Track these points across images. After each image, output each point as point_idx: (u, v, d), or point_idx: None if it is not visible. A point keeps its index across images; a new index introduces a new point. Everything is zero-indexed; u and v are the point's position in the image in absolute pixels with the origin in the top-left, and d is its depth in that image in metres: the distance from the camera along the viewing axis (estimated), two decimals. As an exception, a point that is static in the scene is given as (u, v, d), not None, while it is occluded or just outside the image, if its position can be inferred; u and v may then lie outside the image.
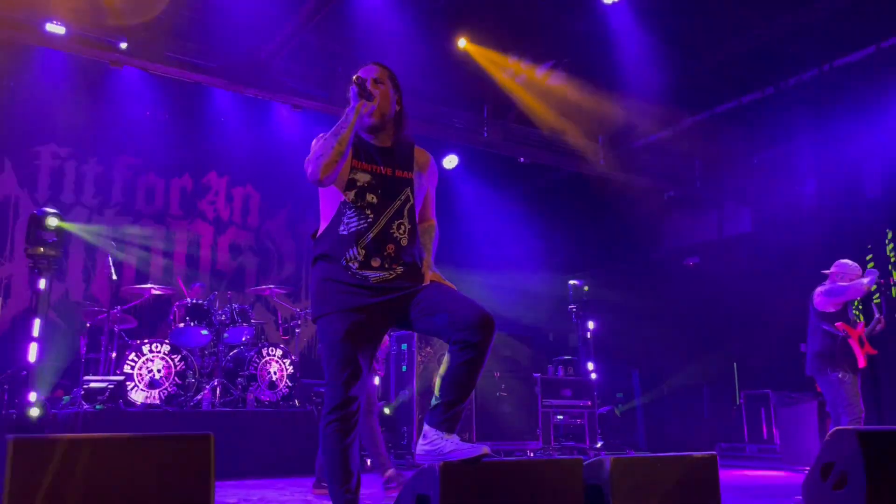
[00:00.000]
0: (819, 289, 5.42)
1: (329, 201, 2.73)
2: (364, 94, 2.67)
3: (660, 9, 7.14)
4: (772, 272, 9.12)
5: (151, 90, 7.98)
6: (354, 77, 2.69)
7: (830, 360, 5.22)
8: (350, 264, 2.64)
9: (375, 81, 2.76)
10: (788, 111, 8.45)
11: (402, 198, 2.75)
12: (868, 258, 8.54)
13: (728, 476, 6.26)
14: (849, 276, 5.40)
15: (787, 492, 4.74)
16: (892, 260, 8.27)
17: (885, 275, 7.93)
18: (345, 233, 2.65)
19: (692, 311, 9.77)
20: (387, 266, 2.66)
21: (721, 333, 9.52)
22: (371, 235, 2.65)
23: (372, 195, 2.68)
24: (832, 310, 5.31)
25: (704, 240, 10.34)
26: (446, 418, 2.60)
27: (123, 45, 6.40)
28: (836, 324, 5.26)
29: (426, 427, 2.63)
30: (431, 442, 2.58)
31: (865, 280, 5.23)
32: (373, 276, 2.65)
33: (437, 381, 2.66)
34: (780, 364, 8.41)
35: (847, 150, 8.68)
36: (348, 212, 2.66)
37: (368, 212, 2.66)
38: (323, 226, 2.73)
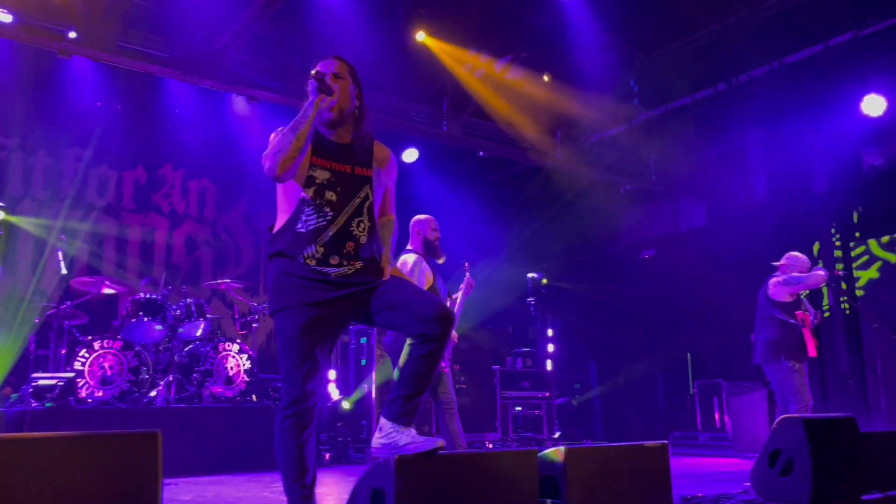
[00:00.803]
0: (774, 279, 5.53)
1: (287, 197, 2.70)
2: (323, 88, 2.63)
3: (616, 5, 7.23)
4: (724, 265, 9.32)
5: (103, 80, 7.78)
6: (313, 71, 2.66)
7: (782, 348, 5.34)
8: (307, 262, 2.63)
9: (335, 76, 2.73)
10: (740, 107, 8.64)
11: (362, 195, 2.74)
12: (815, 250, 8.79)
13: (681, 463, 6.40)
14: (798, 267, 5.55)
15: (737, 478, 4.86)
16: (838, 255, 8.52)
17: (831, 267, 8.17)
18: (303, 230, 2.63)
19: (648, 303, 9.94)
20: (345, 263, 2.66)
21: (675, 324, 9.70)
22: (330, 233, 2.64)
23: (331, 192, 2.66)
24: (787, 300, 5.44)
25: (660, 233, 10.53)
26: (404, 411, 2.61)
27: (72, 35, 6.23)
28: (795, 312, 5.37)
29: (383, 420, 2.63)
30: (387, 435, 2.59)
31: (822, 272, 5.37)
32: (332, 271, 2.64)
33: (396, 374, 2.68)
34: (732, 354, 8.62)
35: (796, 146, 8.91)
36: (307, 209, 2.64)
37: (328, 209, 2.65)
38: (280, 221, 2.71)
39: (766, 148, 9.29)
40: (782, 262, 5.63)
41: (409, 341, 2.65)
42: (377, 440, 2.62)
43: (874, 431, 4.01)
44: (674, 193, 10.34)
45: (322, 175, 2.67)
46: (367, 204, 2.74)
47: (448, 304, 4.75)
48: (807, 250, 8.82)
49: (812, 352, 5.32)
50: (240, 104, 7.91)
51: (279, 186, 2.73)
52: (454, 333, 4.60)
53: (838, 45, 7.35)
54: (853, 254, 8.27)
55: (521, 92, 8.27)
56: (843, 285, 8.01)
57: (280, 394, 2.71)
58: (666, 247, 10.34)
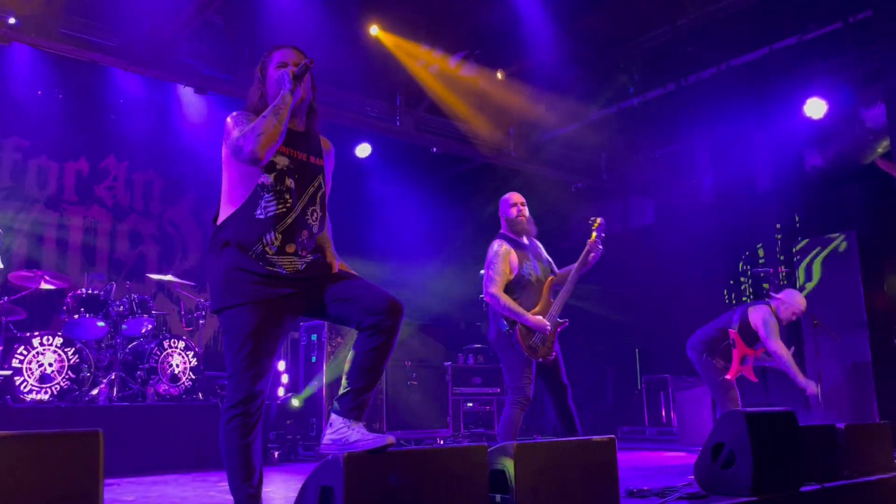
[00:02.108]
0: (764, 313, 5.24)
1: (241, 183, 2.63)
2: (300, 77, 2.63)
3: (569, 4, 7.29)
4: (672, 262, 9.53)
5: (43, 68, 7.51)
6: (308, 61, 2.64)
7: (710, 347, 5.44)
8: (266, 249, 2.58)
9: (298, 65, 2.71)
10: (688, 108, 8.82)
11: (316, 184, 2.75)
12: (758, 247, 9.04)
13: (628, 457, 6.51)
14: (792, 308, 5.30)
15: (682, 471, 4.96)
16: (780, 252, 8.78)
17: (775, 265, 8.41)
18: (261, 216, 2.59)
19: (598, 300, 10.08)
20: (300, 253, 2.64)
21: (625, 321, 9.87)
22: (289, 221, 2.62)
23: (290, 179, 2.64)
24: (753, 334, 5.29)
25: (610, 231, 10.66)
26: (355, 406, 2.60)
27: (12, 20, 5.99)
28: (729, 330, 5.39)
29: (333, 416, 2.61)
30: (337, 431, 2.57)
31: (801, 379, 5.10)
32: (286, 264, 2.61)
33: (346, 368, 2.65)
34: (679, 350, 8.79)
35: (742, 147, 9.15)
36: (266, 195, 2.60)
37: (287, 196, 2.62)
38: (230, 209, 2.64)
39: (713, 148, 9.52)
40: (781, 295, 5.42)
41: (358, 334, 2.65)
42: (328, 436, 2.60)
43: (813, 425, 4.14)
44: (624, 192, 10.51)
45: (282, 161, 2.65)
46: (320, 193, 2.76)
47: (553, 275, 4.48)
48: (751, 248, 9.09)
49: (730, 374, 5.27)
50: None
51: (231, 172, 2.66)
52: (560, 320, 4.36)
53: (783, 49, 7.55)
54: (798, 247, 8.50)
55: (475, 89, 8.28)
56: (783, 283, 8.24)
57: (226, 392, 2.64)
58: (615, 244, 10.47)
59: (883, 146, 7.85)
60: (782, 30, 7.51)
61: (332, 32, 6.97)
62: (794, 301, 5.33)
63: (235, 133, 2.56)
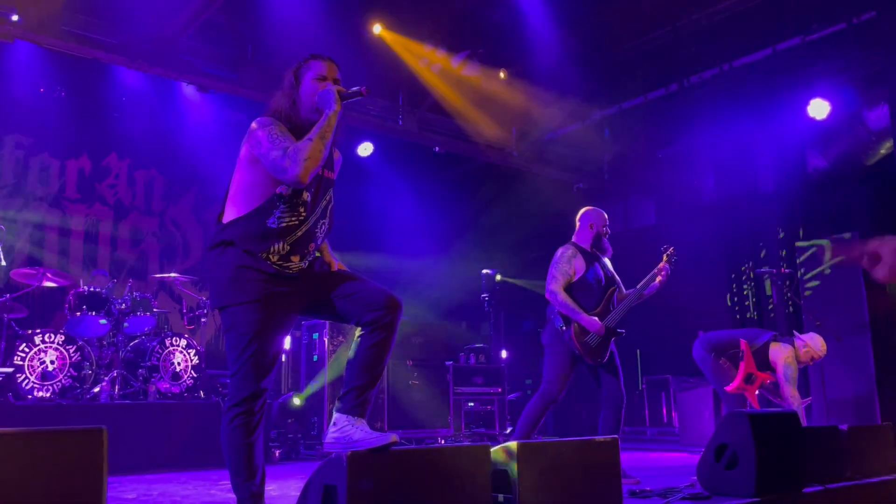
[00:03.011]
0: (787, 353, 5.24)
1: (257, 188, 2.60)
2: (348, 99, 2.62)
3: (572, 5, 7.29)
4: (674, 262, 9.49)
5: (46, 66, 7.51)
6: (364, 88, 2.61)
7: (716, 347, 5.46)
8: (269, 256, 2.58)
9: (337, 81, 2.73)
10: (690, 108, 8.82)
11: (327, 198, 2.76)
12: (762, 253, 9.03)
13: (629, 458, 6.50)
14: (813, 353, 5.33)
15: (684, 472, 4.96)
16: (783, 253, 8.77)
17: (777, 265, 8.40)
18: (274, 226, 2.58)
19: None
20: (303, 262, 2.66)
21: (626, 321, 9.84)
22: (299, 233, 2.62)
23: (307, 193, 2.63)
24: (766, 363, 5.31)
25: (611, 231, 10.65)
26: (357, 403, 2.60)
27: (15, 18, 5.99)
28: (742, 340, 5.40)
29: (336, 415, 2.61)
30: (341, 429, 2.57)
31: (797, 403, 5.12)
32: (290, 266, 2.63)
33: (347, 366, 2.65)
34: (680, 351, 8.78)
35: (744, 148, 9.13)
36: (282, 206, 2.59)
37: (302, 209, 2.62)
38: (241, 211, 2.62)
39: (715, 149, 9.50)
40: (805, 338, 5.41)
41: (358, 332, 2.65)
42: (330, 434, 2.60)
43: (816, 426, 4.13)
44: (625, 192, 10.50)
45: None
46: (329, 206, 2.78)
47: (624, 294, 4.67)
48: (753, 249, 9.08)
49: (731, 387, 5.30)
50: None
51: (246, 175, 2.63)
52: (618, 330, 4.55)
53: (786, 50, 7.55)
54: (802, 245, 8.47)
55: (478, 88, 8.28)
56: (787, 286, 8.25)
57: (229, 391, 2.63)
58: (617, 244, 10.46)
59: (886, 147, 7.85)
60: (785, 31, 7.51)
61: (335, 31, 6.96)
62: (816, 346, 5.39)
63: (276, 152, 2.50)
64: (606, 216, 4.85)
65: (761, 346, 5.35)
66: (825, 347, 5.44)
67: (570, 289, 4.55)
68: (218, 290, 2.64)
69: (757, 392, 5.33)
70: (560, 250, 4.69)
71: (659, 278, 4.65)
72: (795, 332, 5.58)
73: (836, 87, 7.75)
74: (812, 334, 5.54)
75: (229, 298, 2.59)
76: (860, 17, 7.03)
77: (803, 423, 5.02)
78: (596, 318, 4.47)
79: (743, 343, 5.33)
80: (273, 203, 2.59)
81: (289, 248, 2.61)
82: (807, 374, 7.64)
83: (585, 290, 4.57)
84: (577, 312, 4.46)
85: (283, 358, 7.78)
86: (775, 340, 5.39)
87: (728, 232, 9.27)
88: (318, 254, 2.81)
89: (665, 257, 4.76)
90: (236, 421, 2.56)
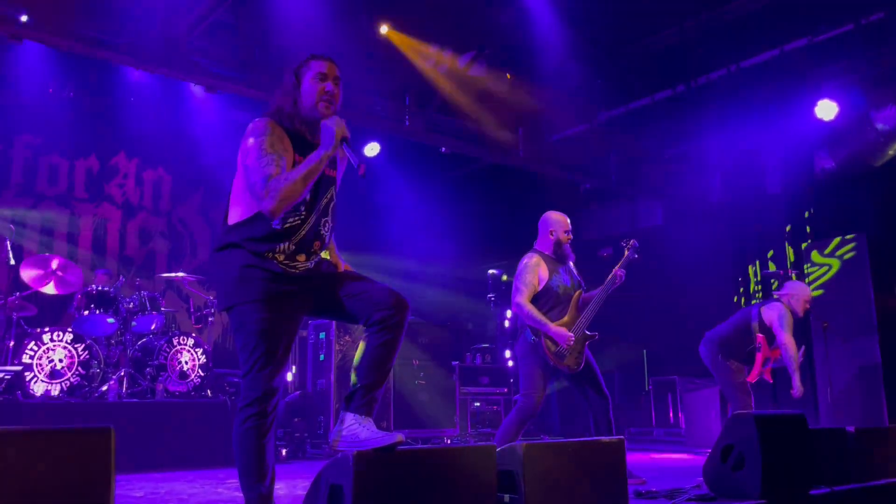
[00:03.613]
0: (777, 307, 5.38)
1: None
2: (345, 143, 2.61)
3: (579, 5, 7.28)
4: (680, 263, 9.49)
5: (55, 66, 7.55)
6: (363, 167, 2.54)
7: (727, 349, 5.46)
8: (276, 256, 2.59)
9: (336, 79, 2.76)
10: (698, 109, 8.79)
11: (329, 196, 2.76)
12: (769, 254, 9.00)
13: (635, 458, 6.49)
14: (800, 296, 5.46)
15: (690, 473, 4.95)
16: (791, 258, 8.74)
17: (784, 266, 8.38)
18: (278, 227, 2.59)
19: (606, 300, 10.05)
20: (309, 261, 2.68)
21: (632, 322, 9.84)
22: (303, 232, 2.64)
23: (308, 192, 2.63)
24: (772, 334, 5.39)
25: (618, 232, 10.65)
26: (364, 402, 2.61)
27: (24, 18, 6.03)
28: (758, 334, 5.43)
29: (343, 413, 2.62)
30: (348, 427, 2.58)
31: (797, 378, 5.25)
32: (297, 266, 2.64)
33: (355, 365, 2.66)
34: (687, 352, 8.76)
35: (750, 148, 9.10)
36: None
37: (302, 208, 2.63)
38: (245, 213, 2.63)
39: (722, 149, 9.47)
40: (786, 290, 5.53)
41: (365, 331, 2.67)
42: (337, 433, 2.60)
43: (823, 428, 4.12)
44: (632, 193, 10.48)
45: None
46: (332, 205, 2.78)
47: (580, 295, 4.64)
48: (760, 251, 9.06)
49: (752, 377, 5.39)
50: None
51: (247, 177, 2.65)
52: (589, 333, 4.55)
53: (794, 51, 7.52)
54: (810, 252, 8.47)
55: (485, 89, 8.28)
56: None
57: (241, 391, 2.63)
58: (624, 245, 10.46)
59: (894, 149, 7.81)
60: (793, 31, 7.48)
61: (342, 31, 6.98)
62: (799, 290, 5.49)
63: (258, 176, 2.48)
64: (568, 221, 4.71)
65: (761, 323, 5.41)
66: (808, 288, 5.58)
67: (535, 298, 4.47)
68: (225, 291, 2.65)
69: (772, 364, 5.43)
70: (524, 259, 4.59)
71: (619, 271, 4.61)
72: (774, 293, 5.64)
73: (843, 87, 7.72)
74: (789, 283, 5.62)
75: (237, 298, 2.60)
76: (868, 17, 7.00)
77: (797, 396, 5.24)
78: (564, 330, 4.38)
79: (760, 338, 5.38)
80: None
81: (294, 247, 2.62)
82: (814, 375, 7.63)
83: (551, 299, 4.50)
84: (545, 325, 4.37)
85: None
86: (763, 306, 5.50)
87: (735, 233, 9.24)
88: (325, 254, 2.82)
89: (626, 252, 4.71)
90: (249, 422, 2.55)
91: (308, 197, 2.64)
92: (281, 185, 2.46)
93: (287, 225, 2.61)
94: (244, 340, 2.59)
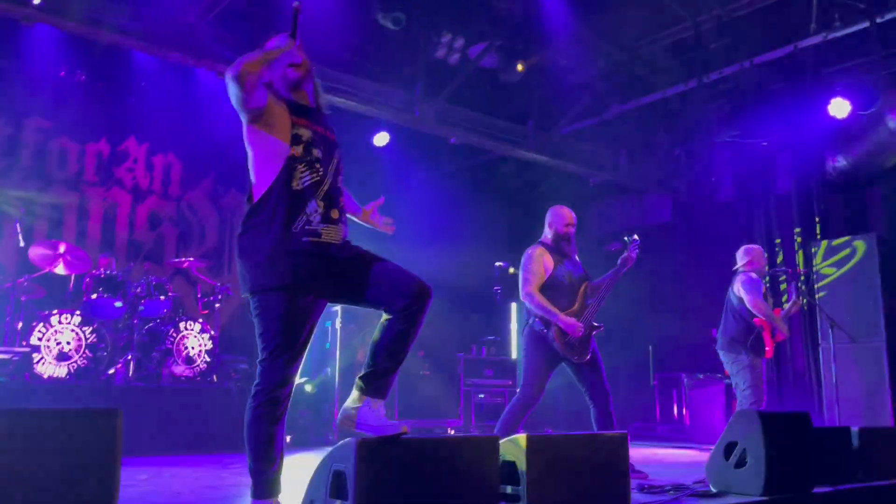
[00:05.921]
0: (742, 276, 5.59)
1: (270, 159, 2.62)
2: (294, 27, 2.74)
3: (592, -1, 7.25)
4: (688, 260, 9.46)
5: (67, 50, 7.56)
6: (296, 4, 2.77)
7: (742, 343, 5.48)
8: (310, 219, 2.57)
9: (300, 47, 2.80)
10: (709, 105, 8.74)
11: (337, 156, 2.78)
12: (778, 253, 8.96)
13: (639, 454, 6.50)
14: (759, 260, 5.67)
15: (694, 469, 4.95)
16: (799, 256, 8.70)
17: (793, 265, 8.34)
18: (299, 187, 2.58)
19: (612, 295, 10.04)
20: (342, 219, 2.68)
21: (639, 317, 9.82)
22: (325, 188, 2.64)
23: (317, 150, 2.66)
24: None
25: (626, 226, 10.62)
26: (379, 385, 2.64)
27: (36, 1, 6.03)
28: (754, 319, 5.47)
29: (356, 392, 2.63)
30: (360, 411, 2.59)
31: (781, 325, 5.48)
32: (332, 233, 2.61)
33: (372, 349, 2.66)
34: (692, 348, 8.76)
35: (761, 146, 9.05)
36: (299, 166, 2.61)
37: (318, 165, 2.64)
38: (266, 184, 2.61)
39: (732, 146, 9.42)
40: (744, 259, 5.71)
41: (385, 316, 2.66)
42: (347, 409, 2.62)
43: (827, 426, 4.12)
44: (641, 188, 10.44)
45: (306, 133, 2.66)
46: (341, 166, 2.79)
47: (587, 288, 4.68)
48: (770, 249, 9.02)
49: (769, 353, 5.46)
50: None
51: (257, 151, 2.66)
52: (596, 324, 4.60)
53: (807, 48, 7.45)
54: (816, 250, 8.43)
55: (495, 79, 8.25)
56: (802, 286, 8.18)
57: (259, 377, 2.57)
58: (632, 240, 10.44)
59: (907, 148, 7.74)
60: (807, 28, 7.40)
61: (352, 19, 6.96)
62: (752, 251, 5.71)
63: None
64: (571, 215, 4.73)
65: (749, 299, 5.48)
66: (757, 246, 5.87)
67: (543, 289, 4.51)
68: (251, 273, 2.61)
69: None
70: (528, 251, 4.65)
71: (625, 264, 4.71)
72: (736, 270, 5.76)
73: (857, 86, 7.66)
74: (743, 248, 5.80)
75: (263, 282, 2.57)
76: (883, 15, 6.92)
77: (778, 328, 5.47)
78: (573, 319, 4.44)
79: (757, 321, 5.47)
80: (290, 166, 2.61)
81: (323, 203, 2.62)
82: (820, 374, 7.61)
83: (557, 289, 4.53)
84: (554, 314, 4.42)
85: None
86: (732, 287, 5.65)
87: (745, 231, 9.20)
88: (357, 218, 2.92)
89: (627, 246, 4.79)
90: (261, 409, 2.54)
91: (320, 154, 2.66)
92: (243, 58, 2.59)
93: (309, 182, 2.60)
94: (265, 325, 2.57)
